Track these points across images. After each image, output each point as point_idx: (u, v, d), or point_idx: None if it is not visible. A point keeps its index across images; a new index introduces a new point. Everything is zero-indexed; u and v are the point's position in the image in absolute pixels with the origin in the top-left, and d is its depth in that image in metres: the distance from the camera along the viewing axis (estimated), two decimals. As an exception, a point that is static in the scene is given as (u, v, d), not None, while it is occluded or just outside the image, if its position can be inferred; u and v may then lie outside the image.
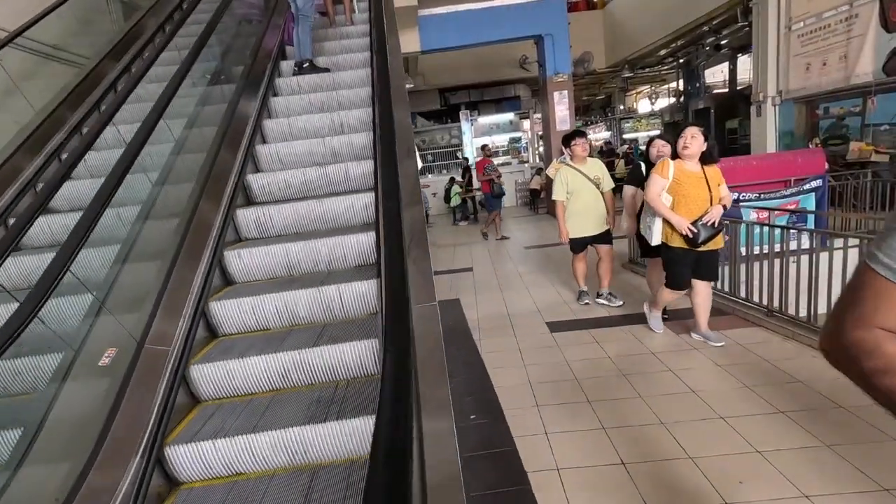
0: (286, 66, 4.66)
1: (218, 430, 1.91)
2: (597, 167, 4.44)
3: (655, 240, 3.48)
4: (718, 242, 3.42)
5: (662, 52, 13.20)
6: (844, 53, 6.67)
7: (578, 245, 4.54)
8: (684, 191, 3.27)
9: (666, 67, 14.93)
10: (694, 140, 3.24)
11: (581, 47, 11.29)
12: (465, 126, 13.76)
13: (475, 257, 7.59)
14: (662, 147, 3.78)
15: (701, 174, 3.31)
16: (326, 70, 4.45)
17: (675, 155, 3.38)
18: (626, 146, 15.54)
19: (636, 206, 3.94)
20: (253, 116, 3.59)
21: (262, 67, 4.20)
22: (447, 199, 11.82)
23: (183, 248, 2.42)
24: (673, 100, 16.98)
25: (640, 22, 11.73)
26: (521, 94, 15.15)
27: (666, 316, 3.97)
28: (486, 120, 14.60)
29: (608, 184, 4.43)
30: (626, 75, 13.90)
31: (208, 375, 2.15)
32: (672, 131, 7.70)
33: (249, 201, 3.22)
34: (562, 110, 9.70)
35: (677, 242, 3.35)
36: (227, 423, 1.95)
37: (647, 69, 15.17)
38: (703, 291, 3.48)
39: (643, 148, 5.26)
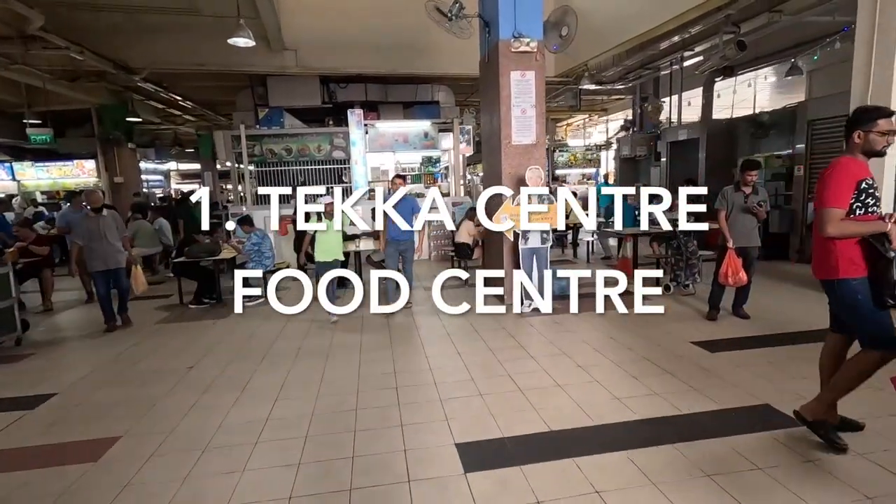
0: None
1: None
2: None
3: None
4: None
5: (630, 62, 9.70)
6: None
7: None
8: None
9: (623, 86, 11.52)
10: None
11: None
12: (357, 133, 8.99)
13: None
14: None
15: None
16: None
17: None
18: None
19: None
20: None
21: None
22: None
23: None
24: (621, 132, 13.86)
25: (618, 9, 7.97)
26: (442, 99, 10.85)
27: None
28: (388, 127, 9.97)
29: None
30: (587, 86, 10.15)
31: None
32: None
33: None
34: (523, 105, 5.37)
35: None
36: None
37: (600, 87, 11.73)
38: None
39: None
